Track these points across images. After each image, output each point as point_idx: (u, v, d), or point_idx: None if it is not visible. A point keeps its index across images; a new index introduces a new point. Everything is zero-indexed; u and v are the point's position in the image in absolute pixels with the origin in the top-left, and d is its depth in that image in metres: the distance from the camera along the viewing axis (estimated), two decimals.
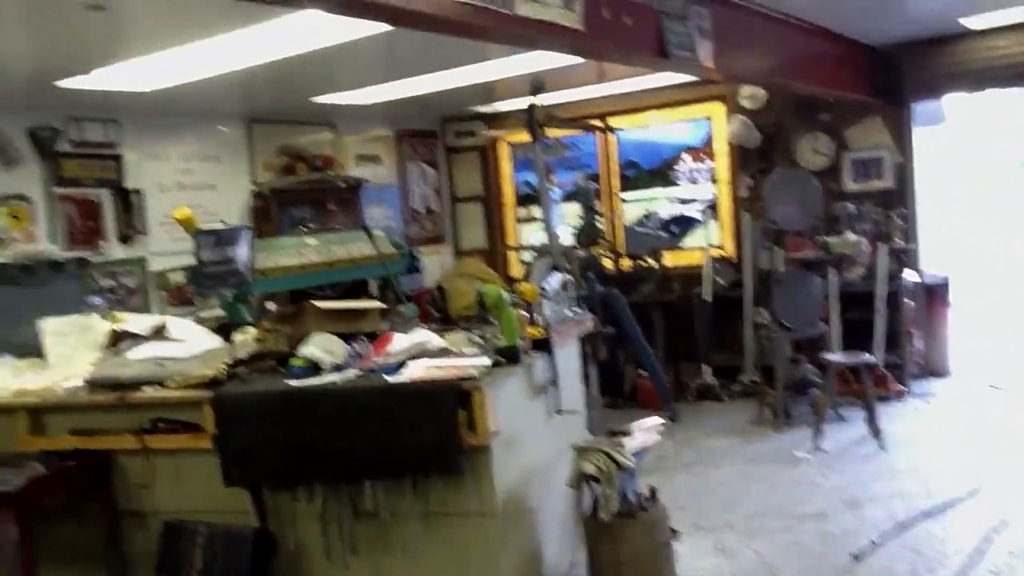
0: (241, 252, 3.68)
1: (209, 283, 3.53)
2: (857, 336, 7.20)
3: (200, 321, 5.73)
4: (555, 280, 4.14)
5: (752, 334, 7.62)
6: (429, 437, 3.25)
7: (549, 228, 5.37)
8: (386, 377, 3.43)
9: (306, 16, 3.81)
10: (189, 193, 7.31)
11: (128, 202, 6.89)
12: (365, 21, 3.85)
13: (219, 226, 3.78)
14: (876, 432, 6.00)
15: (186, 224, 5.18)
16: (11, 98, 5.99)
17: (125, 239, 6.90)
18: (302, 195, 7.91)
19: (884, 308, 7.15)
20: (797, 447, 6.15)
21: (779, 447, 6.25)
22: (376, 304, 4.31)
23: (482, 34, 3.49)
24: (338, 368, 3.66)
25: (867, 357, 6.24)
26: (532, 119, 5.14)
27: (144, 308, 6.91)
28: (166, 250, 7.00)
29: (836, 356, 6.46)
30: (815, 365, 6.85)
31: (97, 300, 5.97)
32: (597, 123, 8.58)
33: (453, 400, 3.23)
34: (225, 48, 4.98)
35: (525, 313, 3.75)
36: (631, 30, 4.21)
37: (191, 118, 7.31)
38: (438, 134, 9.76)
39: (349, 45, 4.98)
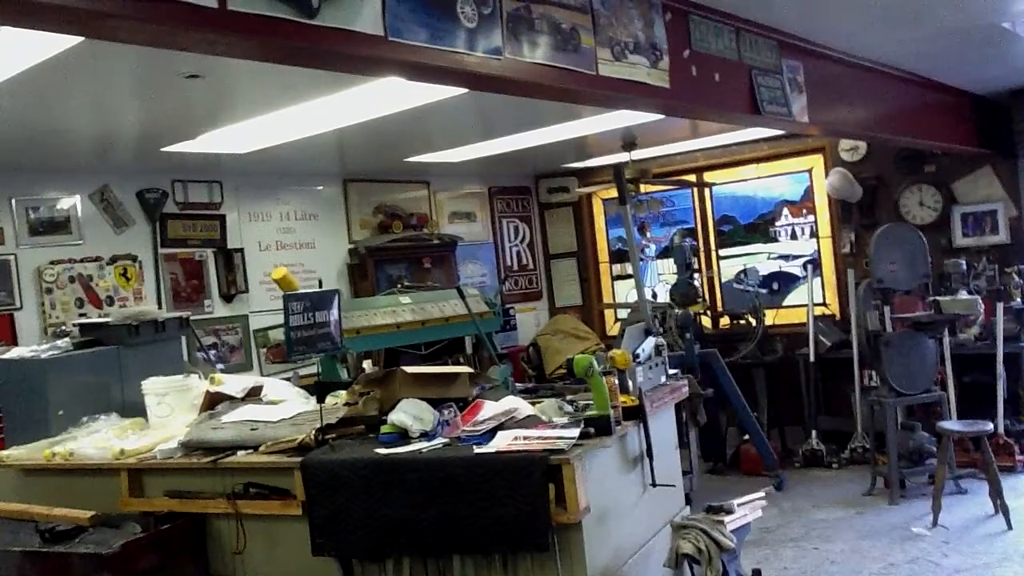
0: (331, 316, 3.68)
1: (299, 348, 3.52)
2: (975, 401, 6.77)
3: (298, 379, 5.81)
4: (648, 344, 4.00)
5: (862, 398, 7.26)
6: (517, 512, 3.14)
7: (640, 290, 5.24)
8: (474, 447, 3.35)
9: (394, 80, 3.84)
10: (288, 252, 7.48)
11: (230, 261, 7.08)
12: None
13: (308, 290, 3.79)
14: (1001, 508, 5.58)
15: (283, 284, 5.27)
16: (122, 164, 6.26)
17: (227, 297, 7.08)
18: (397, 253, 8.00)
19: (1004, 371, 6.71)
20: (914, 522, 5.77)
21: (894, 521, 5.88)
22: (465, 369, 4.25)
23: (565, 97, 3.44)
24: (426, 435, 3.60)
25: (987, 425, 5.85)
26: (620, 180, 5.05)
27: (246, 365, 7.06)
28: (266, 308, 7.15)
29: (953, 424, 6.06)
30: (931, 432, 6.45)
31: (204, 356, 6.13)
32: (691, 178, 8.45)
33: (541, 474, 3.12)
34: (319, 111, 5.09)
35: (617, 381, 3.62)
36: (721, 86, 4.11)
37: (290, 178, 7.50)
38: (531, 190, 9.78)
39: (440, 105, 5.03)
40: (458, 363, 6.57)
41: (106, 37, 2.20)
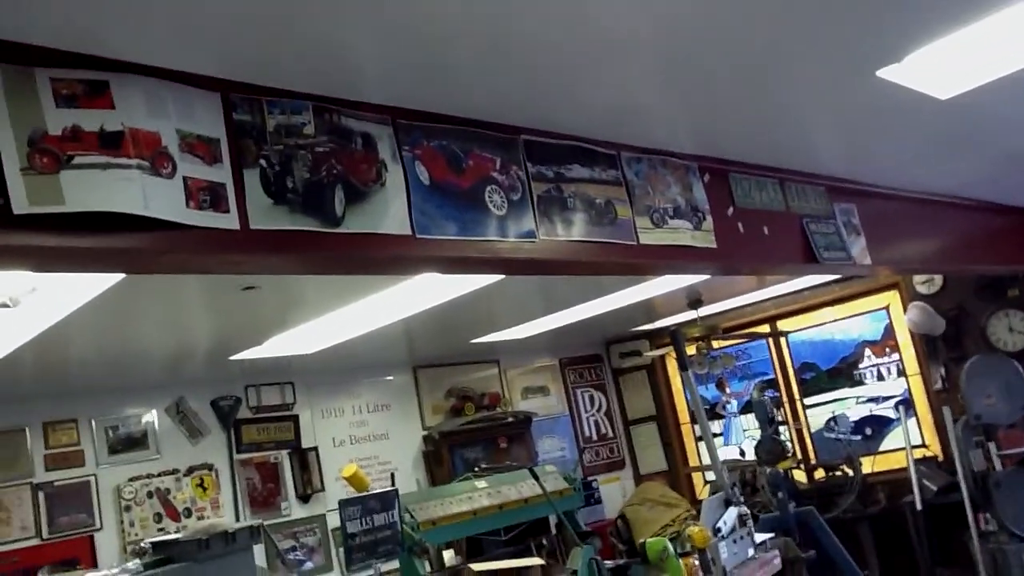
0: (393, 517, 3.56)
1: (358, 556, 3.40)
2: None
3: None
4: (730, 516, 3.76)
5: (980, 545, 6.68)
6: None
7: (714, 457, 5.00)
8: None
9: None
10: (363, 445, 7.44)
11: (305, 461, 7.06)
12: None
13: (365, 493, 3.70)
14: None
15: (354, 481, 5.19)
16: (195, 375, 6.41)
17: (304, 498, 7.01)
18: (472, 435, 7.89)
19: None
20: None
21: None
22: (536, 561, 4.05)
23: (607, 270, 3.40)
24: None
25: None
26: (679, 344, 4.94)
27: (326, 566, 6.90)
28: None
29: None
30: None
31: (287, 560, 6.00)
32: (764, 328, 8.25)
33: None
34: (381, 304, 5.16)
35: (698, 562, 3.38)
36: (772, 239, 4.03)
37: (360, 371, 7.56)
38: (603, 357, 9.67)
39: (501, 285, 5.05)
40: (541, 546, 6.31)
41: (131, 271, 2.26)
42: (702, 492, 9.08)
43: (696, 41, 2.64)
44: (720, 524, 3.67)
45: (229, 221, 2.19)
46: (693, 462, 9.38)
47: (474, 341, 7.47)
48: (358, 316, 5.38)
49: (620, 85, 2.92)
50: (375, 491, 3.72)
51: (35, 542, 5.81)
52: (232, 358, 5.93)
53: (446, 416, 8.02)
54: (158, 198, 2.05)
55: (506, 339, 7.65)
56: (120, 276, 3.55)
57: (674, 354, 9.15)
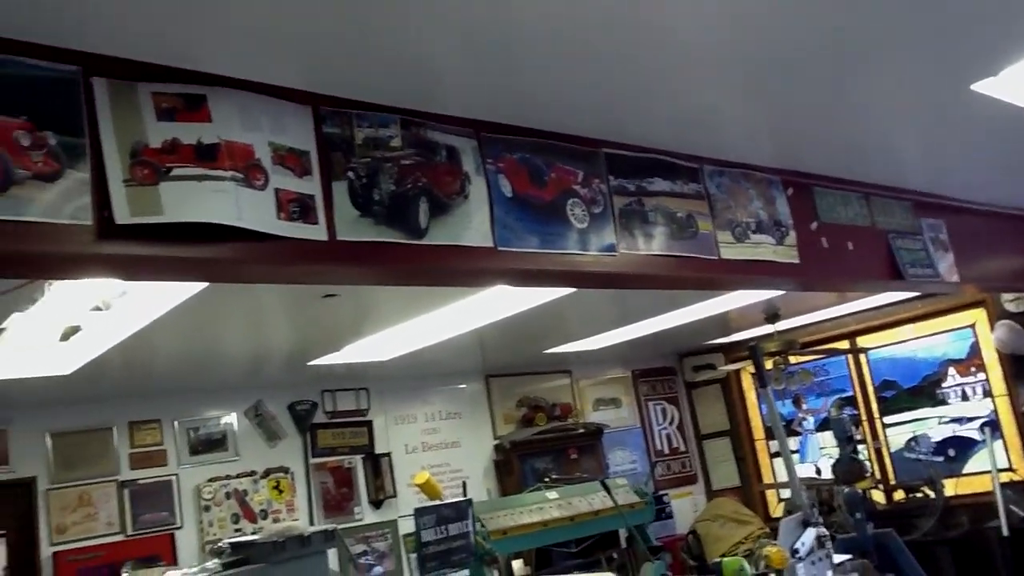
0: (466, 527, 3.58)
1: (432, 564, 3.42)
2: None
3: None
4: (808, 537, 3.68)
5: None
6: None
7: (793, 477, 4.89)
8: None
9: None
10: (434, 452, 7.49)
11: (378, 466, 7.13)
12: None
13: (440, 503, 3.71)
14: None
15: (426, 488, 5.23)
16: (274, 379, 6.54)
17: (376, 503, 7.09)
18: (542, 445, 7.88)
19: None
20: None
21: None
22: (605, 575, 4.01)
23: (687, 285, 3.37)
24: None
25: None
26: (759, 360, 4.85)
27: (397, 572, 6.96)
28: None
29: None
30: None
31: (359, 565, 6.07)
32: (844, 344, 8.06)
33: None
34: (456, 314, 5.19)
35: None
36: (856, 255, 3.94)
37: (433, 379, 7.62)
38: (676, 370, 9.56)
39: (576, 297, 5.03)
40: (611, 559, 6.26)
41: (221, 280, 2.31)
42: (776, 510, 8.90)
43: (779, 51, 2.61)
44: (798, 545, 3.59)
45: (317, 232, 2.24)
46: (767, 479, 9.21)
47: (547, 351, 7.46)
48: (433, 325, 5.42)
49: (701, 97, 2.90)
50: (450, 500, 3.73)
51: (119, 538, 5.99)
52: (310, 363, 6.03)
53: (517, 425, 8.03)
54: (251, 209, 2.10)
55: (579, 350, 7.62)
56: (206, 283, 3.66)
57: (750, 368, 9.04)
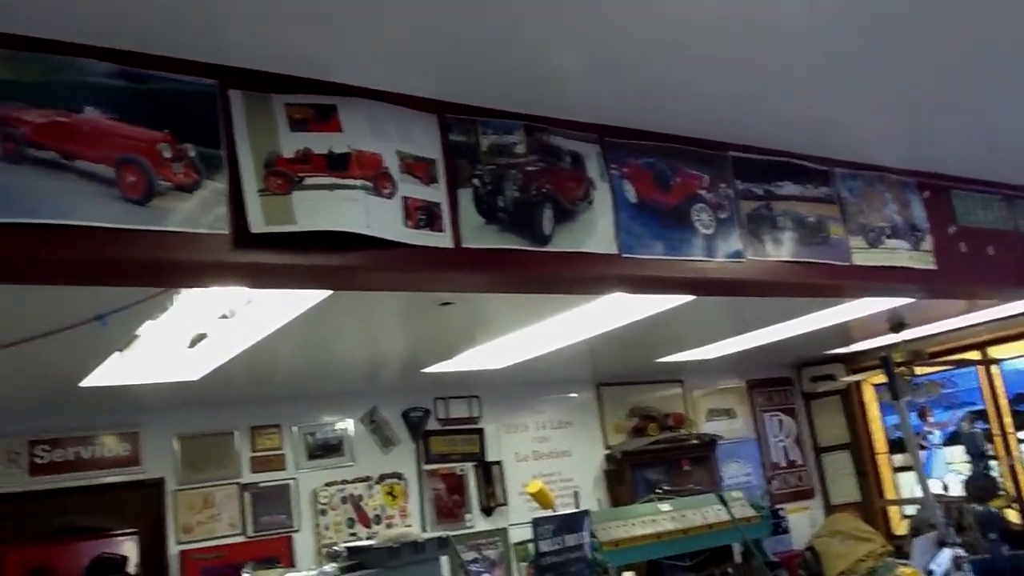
0: (583, 538, 3.52)
1: (548, 575, 3.37)
2: None
3: None
4: (944, 558, 3.48)
5: None
6: None
7: (927, 493, 4.65)
8: None
9: None
10: (545, 461, 7.45)
11: (489, 474, 7.14)
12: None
13: (558, 512, 3.67)
14: None
15: (539, 498, 5.20)
16: (388, 386, 6.63)
17: (487, 510, 7.10)
18: (654, 456, 7.75)
19: None
20: None
21: None
22: None
23: (816, 292, 3.24)
24: None
25: None
26: (891, 371, 4.64)
27: None
28: (525, 520, 7.03)
29: None
30: None
31: (475, 568, 6.10)
32: (974, 355, 7.66)
33: None
34: (568, 323, 5.16)
35: None
36: (996, 260, 3.73)
37: (543, 387, 7.58)
38: (793, 380, 9.27)
39: (689, 306, 4.93)
40: (726, 574, 6.10)
41: (349, 288, 2.33)
42: (899, 527, 8.52)
43: (915, 46, 2.47)
44: (934, 566, 3.41)
45: (443, 240, 2.23)
46: (889, 494, 8.82)
47: (659, 360, 7.34)
48: (545, 334, 5.39)
49: (831, 96, 2.78)
50: (568, 511, 3.69)
51: (240, 539, 6.16)
52: (423, 371, 6.08)
53: (628, 435, 7.92)
54: (379, 217, 2.10)
55: (691, 359, 7.47)
56: (327, 292, 3.72)
57: (872, 379, 8.68)
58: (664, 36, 2.20)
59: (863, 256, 3.19)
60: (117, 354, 4.34)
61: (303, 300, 3.89)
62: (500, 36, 2.09)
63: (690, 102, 2.66)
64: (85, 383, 4.80)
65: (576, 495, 6.11)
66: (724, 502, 5.24)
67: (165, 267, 1.94)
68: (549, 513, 4.93)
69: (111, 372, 4.63)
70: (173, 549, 5.95)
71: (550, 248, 2.42)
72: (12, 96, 1.78)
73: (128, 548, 5.54)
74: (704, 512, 5.87)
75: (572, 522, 3.55)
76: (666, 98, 2.60)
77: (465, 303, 4.33)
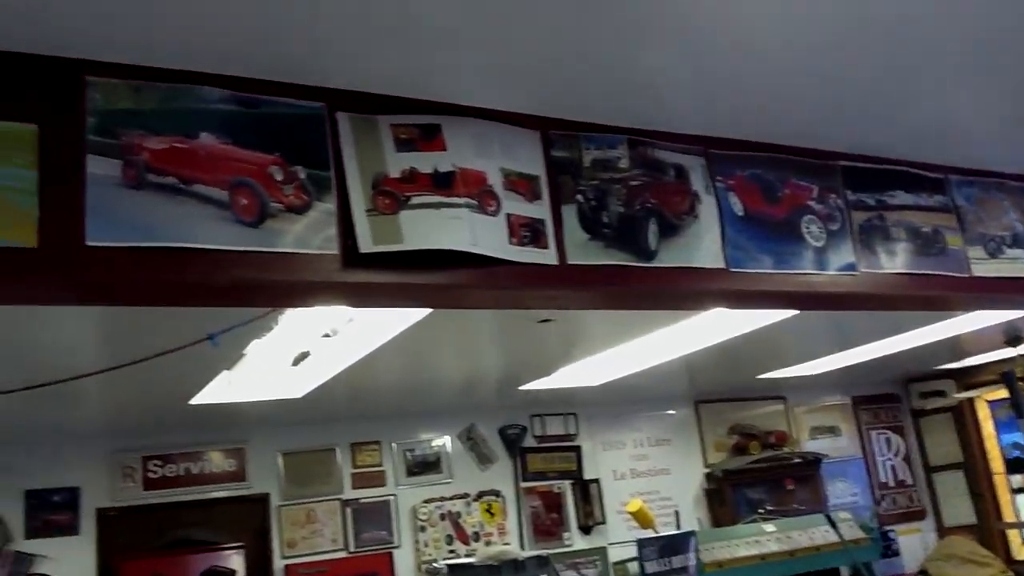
0: (689, 559, 3.44)
1: None
2: None
3: None
4: None
5: None
6: None
7: None
8: None
9: None
10: (643, 479, 7.35)
11: (587, 492, 7.08)
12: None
13: (663, 533, 3.60)
14: None
15: (639, 517, 5.13)
16: (485, 403, 6.65)
17: (585, 529, 7.03)
18: (756, 475, 7.56)
19: None
20: None
21: None
22: None
23: (932, 305, 3.11)
24: None
25: None
26: (1014, 387, 4.41)
27: None
28: (624, 538, 6.96)
29: None
30: None
31: None
32: None
33: None
34: (667, 339, 5.08)
35: None
36: None
37: (641, 404, 7.49)
38: (901, 397, 8.91)
39: (791, 321, 4.80)
40: None
41: (454, 306, 2.33)
42: (1020, 551, 8.10)
43: None
44: None
45: (548, 256, 2.22)
46: (1008, 517, 8.38)
47: (760, 377, 7.17)
48: (643, 350, 5.33)
49: (945, 101, 2.66)
50: (672, 532, 3.61)
51: (342, 554, 6.25)
52: (520, 388, 6.08)
53: (729, 454, 7.75)
54: (485, 235, 2.10)
55: (794, 375, 7.27)
56: (426, 311, 3.74)
57: (987, 396, 8.30)
58: (769, 44, 2.14)
59: (983, 267, 3.04)
60: (225, 373, 4.47)
61: (403, 318, 3.93)
62: (602, 50, 2.07)
63: (797, 112, 2.58)
64: (195, 401, 4.95)
65: (677, 515, 6.00)
66: (833, 523, 5.07)
67: (277, 287, 1.98)
68: (650, 533, 4.85)
69: (219, 390, 4.77)
70: (278, 563, 6.07)
71: (655, 263, 2.38)
72: (133, 124, 1.84)
73: (235, 562, 5.69)
74: (811, 533, 5.70)
75: (678, 543, 3.48)
76: (772, 108, 2.53)
77: (563, 320, 4.31)
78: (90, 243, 1.75)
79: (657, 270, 2.39)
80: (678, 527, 5.70)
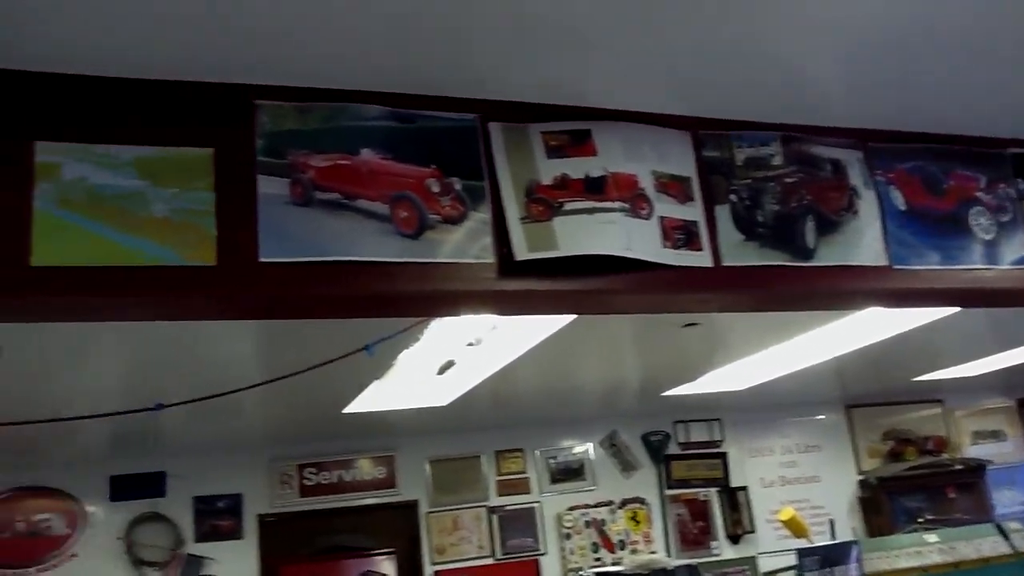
0: (850, 571, 3.31)
1: None
2: None
3: None
4: None
5: None
6: None
7: None
8: None
9: None
10: (793, 487, 7.14)
11: (734, 500, 6.92)
12: None
13: (825, 542, 3.47)
14: None
15: (791, 526, 4.97)
16: (627, 410, 6.60)
17: (734, 538, 6.88)
18: (913, 482, 7.22)
19: None
20: None
21: None
22: None
23: None
24: None
25: None
26: None
27: None
28: (775, 548, 6.76)
29: None
30: None
31: None
32: None
33: None
34: (816, 342, 4.92)
35: None
36: None
37: (788, 409, 7.28)
38: None
39: (948, 320, 4.56)
40: None
41: (606, 312, 2.32)
42: None
43: None
44: None
45: (702, 259, 2.18)
46: None
47: (915, 379, 6.84)
48: (793, 353, 5.17)
49: None
50: (832, 542, 3.48)
51: (489, 561, 6.34)
52: (663, 394, 6.01)
53: (883, 460, 7.43)
54: (638, 239, 2.08)
55: (952, 377, 6.90)
56: (567, 319, 3.75)
57: None
58: (929, 29, 2.04)
59: None
60: (376, 382, 4.60)
61: (546, 326, 3.95)
62: (751, 48, 2.01)
63: (960, 99, 2.44)
64: (348, 410, 5.12)
65: (832, 524, 5.77)
66: (1004, 533, 4.76)
67: (436, 297, 2.02)
68: (804, 543, 4.69)
69: (370, 399, 4.92)
70: (428, 570, 6.20)
71: (814, 263, 2.30)
72: (299, 144, 1.92)
73: (388, 567, 5.84)
74: (978, 544, 5.38)
75: (839, 553, 3.35)
76: (933, 97, 2.41)
77: (710, 323, 4.23)
78: (263, 259, 1.83)
79: (816, 270, 2.31)
80: (833, 537, 5.50)
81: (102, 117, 1.81)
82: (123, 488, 5.79)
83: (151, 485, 5.81)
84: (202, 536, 5.85)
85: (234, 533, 5.92)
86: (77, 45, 1.72)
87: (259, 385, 3.61)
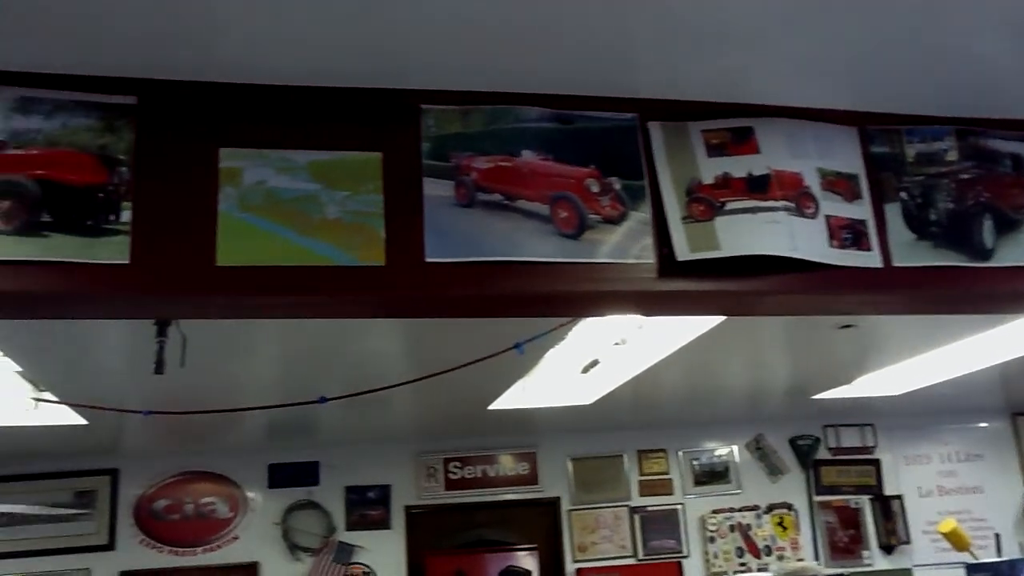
0: None
1: None
2: None
3: None
4: None
5: None
6: None
7: None
8: None
9: None
10: (952, 498, 6.78)
11: (888, 509, 6.63)
12: None
13: (990, 557, 3.28)
14: None
15: (952, 539, 4.72)
16: (774, 413, 6.42)
17: (887, 548, 6.58)
18: None
19: None
20: None
21: None
22: None
23: None
24: None
25: None
26: None
27: None
28: (932, 561, 6.45)
29: None
30: None
31: None
32: None
33: None
34: (979, 346, 4.66)
35: None
36: None
37: (946, 416, 6.91)
38: None
39: None
40: None
41: (768, 313, 2.26)
42: None
43: None
44: None
45: (871, 260, 2.09)
46: None
47: None
48: (953, 357, 4.91)
49: None
50: (1007, 559, 3.28)
51: (631, 561, 6.30)
52: (813, 397, 5.81)
53: None
54: (804, 239, 2.03)
55: None
56: (716, 321, 3.67)
57: None
58: None
59: None
60: (521, 380, 4.65)
61: (694, 327, 3.89)
62: (922, 38, 1.92)
63: None
64: (493, 406, 5.20)
65: (997, 538, 5.45)
66: None
67: (595, 298, 2.02)
68: (966, 558, 4.45)
69: (515, 396, 4.98)
70: (570, 567, 6.22)
71: (992, 263, 2.17)
72: (462, 146, 1.96)
73: (530, 563, 5.89)
74: None
75: (1012, 570, 3.15)
76: None
77: (868, 326, 4.07)
78: (429, 259, 1.88)
79: (993, 270, 2.18)
80: (999, 552, 5.19)
81: (279, 123, 1.90)
82: (280, 476, 6.07)
83: (306, 474, 6.07)
84: (352, 525, 6.07)
85: (383, 523, 6.11)
86: (257, 57, 1.82)
87: (413, 381, 3.71)
